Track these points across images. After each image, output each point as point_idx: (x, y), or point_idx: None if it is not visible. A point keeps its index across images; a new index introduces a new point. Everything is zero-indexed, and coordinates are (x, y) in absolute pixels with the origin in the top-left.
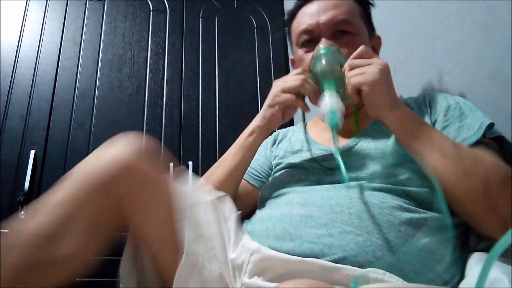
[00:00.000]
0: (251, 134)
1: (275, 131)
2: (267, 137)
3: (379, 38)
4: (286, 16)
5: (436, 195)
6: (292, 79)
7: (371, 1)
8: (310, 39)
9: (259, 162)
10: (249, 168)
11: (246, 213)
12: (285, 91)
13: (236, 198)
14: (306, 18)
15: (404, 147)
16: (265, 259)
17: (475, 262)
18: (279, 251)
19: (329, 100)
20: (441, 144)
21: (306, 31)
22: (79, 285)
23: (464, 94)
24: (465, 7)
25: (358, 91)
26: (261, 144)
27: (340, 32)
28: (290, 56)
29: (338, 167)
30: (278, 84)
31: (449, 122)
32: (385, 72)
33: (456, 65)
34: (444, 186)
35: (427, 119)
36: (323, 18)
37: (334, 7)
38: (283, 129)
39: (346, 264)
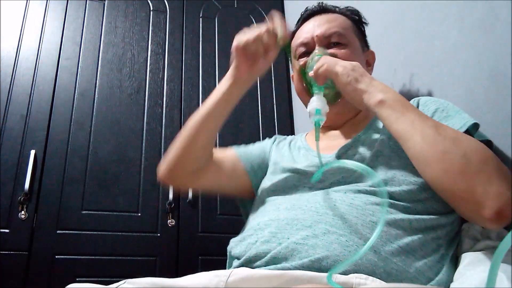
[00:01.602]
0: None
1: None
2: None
3: (373, 53)
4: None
5: (421, 195)
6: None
7: (364, 21)
8: (306, 51)
9: (255, 148)
10: (244, 149)
11: (227, 186)
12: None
13: (223, 168)
14: (303, 33)
15: (388, 130)
16: (245, 279)
17: (466, 263)
18: (267, 254)
19: (316, 101)
20: (422, 126)
21: (302, 44)
22: None
23: (464, 94)
24: (465, 7)
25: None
26: (262, 141)
27: (334, 44)
28: (291, 73)
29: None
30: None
31: None
32: (351, 68)
33: (456, 65)
34: (423, 166)
35: None
36: (317, 31)
37: (328, 22)
38: (286, 136)
39: (329, 263)
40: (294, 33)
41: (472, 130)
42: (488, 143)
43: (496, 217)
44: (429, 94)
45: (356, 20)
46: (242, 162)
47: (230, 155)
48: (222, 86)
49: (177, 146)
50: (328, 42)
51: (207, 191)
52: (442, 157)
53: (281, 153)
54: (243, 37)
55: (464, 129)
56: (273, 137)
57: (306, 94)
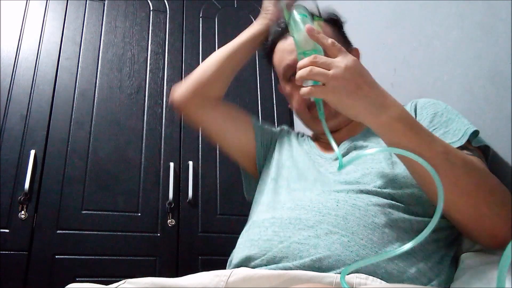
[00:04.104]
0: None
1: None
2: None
3: (356, 50)
4: (263, 50)
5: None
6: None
7: (341, 20)
8: (295, 73)
9: (267, 128)
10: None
11: (229, 137)
12: None
13: (232, 116)
14: (286, 53)
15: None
16: (246, 279)
17: (466, 263)
18: (268, 252)
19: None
20: (431, 154)
21: (289, 67)
22: None
23: (464, 94)
24: (465, 7)
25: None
26: (272, 128)
27: None
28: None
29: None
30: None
31: (435, 128)
32: (351, 77)
33: (456, 65)
34: (431, 194)
35: None
36: (291, 56)
37: None
38: (292, 130)
39: (330, 262)
40: (272, 48)
41: (472, 136)
42: (486, 148)
43: (500, 243)
44: (429, 94)
45: (333, 21)
46: (252, 122)
47: (243, 113)
48: (251, 29)
49: (201, 72)
50: None
51: (210, 133)
52: (452, 189)
53: (285, 154)
54: None
55: (466, 138)
56: (279, 129)
57: (307, 108)
